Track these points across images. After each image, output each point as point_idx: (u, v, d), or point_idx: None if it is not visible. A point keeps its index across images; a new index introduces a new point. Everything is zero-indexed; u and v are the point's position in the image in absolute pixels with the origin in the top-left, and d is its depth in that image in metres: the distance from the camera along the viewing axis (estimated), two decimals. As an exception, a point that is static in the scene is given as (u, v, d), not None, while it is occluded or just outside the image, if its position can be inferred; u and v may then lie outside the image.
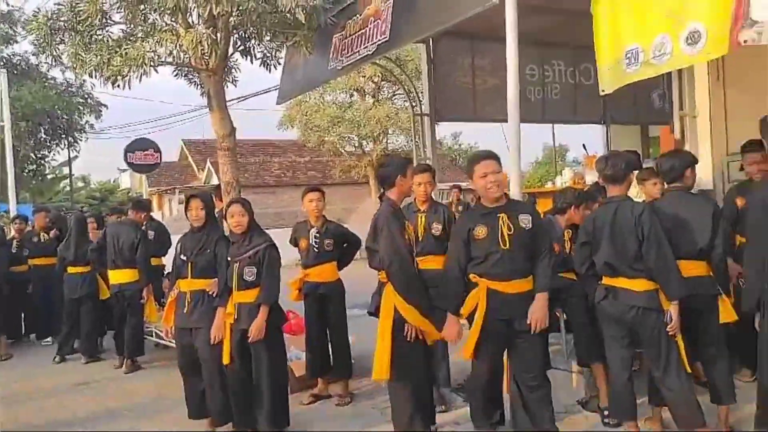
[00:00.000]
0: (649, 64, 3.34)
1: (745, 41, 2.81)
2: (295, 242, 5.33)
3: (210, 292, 4.27)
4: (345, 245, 5.29)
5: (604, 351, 3.87)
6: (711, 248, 3.73)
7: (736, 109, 4.44)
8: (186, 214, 4.43)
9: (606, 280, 3.71)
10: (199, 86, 7.02)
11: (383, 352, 3.68)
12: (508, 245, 3.52)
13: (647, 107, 8.67)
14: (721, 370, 3.77)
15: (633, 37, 3.42)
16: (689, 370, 3.60)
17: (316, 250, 5.15)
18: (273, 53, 6.66)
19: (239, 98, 18.02)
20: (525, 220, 3.59)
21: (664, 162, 3.99)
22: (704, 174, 5.19)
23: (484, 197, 3.64)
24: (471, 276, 3.60)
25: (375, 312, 3.85)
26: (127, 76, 5.72)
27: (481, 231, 3.56)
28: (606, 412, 4.08)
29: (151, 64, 5.73)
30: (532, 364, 3.67)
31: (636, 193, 4.49)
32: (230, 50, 6.25)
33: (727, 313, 3.72)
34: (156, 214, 21.15)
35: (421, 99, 8.46)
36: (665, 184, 4.06)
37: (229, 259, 4.20)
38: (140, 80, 5.77)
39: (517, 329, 3.59)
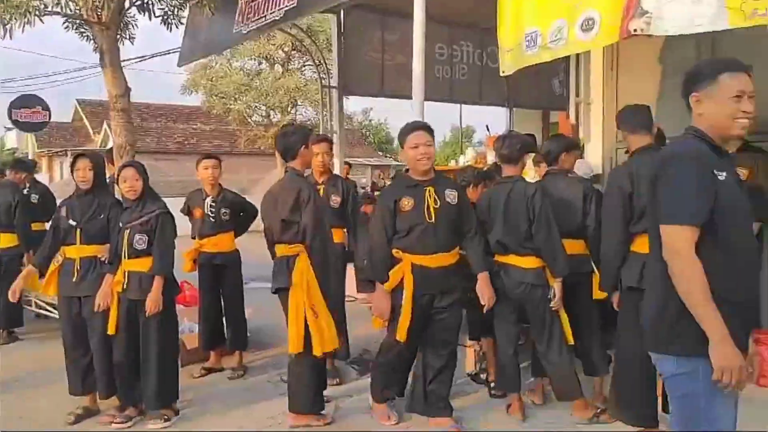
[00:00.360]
0: (546, 48, 3.42)
1: (635, 30, 2.93)
2: (187, 211, 5.14)
3: (102, 259, 4.06)
4: (241, 214, 5.17)
5: (493, 326, 4.00)
6: (584, 227, 3.90)
7: (628, 97, 4.63)
8: (72, 176, 4.16)
9: (498, 258, 3.82)
10: (92, 41, 6.55)
11: (299, 326, 3.64)
12: (433, 219, 3.53)
13: (548, 93, 8.99)
14: (595, 343, 3.98)
15: (533, 21, 3.49)
16: (570, 342, 3.79)
17: (212, 219, 5.00)
18: (174, 11, 6.32)
19: (138, 58, 17.05)
20: (451, 196, 3.61)
21: (544, 146, 4.18)
22: (594, 159, 5.44)
23: (413, 168, 3.62)
24: (394, 251, 3.58)
25: (283, 289, 3.76)
26: (8, 24, 5.25)
27: (407, 202, 3.54)
28: (493, 384, 4.24)
29: (36, 13, 5.27)
30: (448, 340, 3.73)
31: (533, 174, 4.63)
32: (126, 4, 5.86)
33: (599, 290, 3.92)
34: (44, 177, 19.87)
35: (330, 71, 8.33)
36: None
37: (120, 225, 3.99)
38: (23, 30, 5.30)
39: (437, 305, 3.62)
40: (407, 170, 3.73)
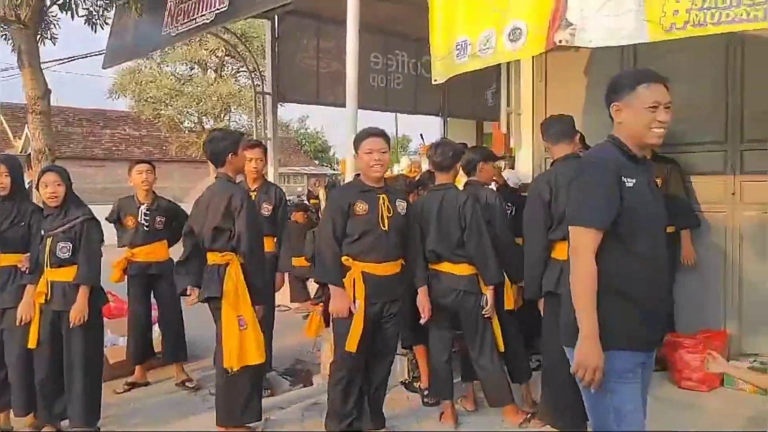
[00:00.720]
0: (475, 57, 3.47)
1: (560, 41, 3.02)
2: (117, 219, 4.93)
3: (22, 269, 3.85)
4: (174, 223, 5.02)
5: (426, 334, 4.00)
6: (496, 237, 3.90)
7: (557, 108, 4.75)
8: (-13, 182, 3.93)
9: (432, 265, 3.82)
10: (10, 40, 6.22)
11: (234, 338, 3.54)
12: (386, 227, 3.49)
13: (482, 104, 9.22)
14: (515, 352, 4.01)
15: (463, 30, 3.53)
16: (502, 348, 3.84)
17: (146, 228, 4.83)
18: (100, 11, 6.07)
19: (65, 59, 16.32)
20: (401, 206, 3.60)
21: (464, 156, 4.21)
22: (525, 168, 5.56)
23: (365, 174, 3.58)
24: (343, 258, 3.50)
25: (213, 298, 3.66)
26: None
27: (362, 207, 3.47)
28: (426, 392, 4.24)
29: (-53, 9, 4.97)
30: (393, 348, 3.71)
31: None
32: (48, 2, 5.60)
33: (508, 301, 3.96)
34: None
35: (265, 78, 8.24)
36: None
37: (42, 232, 3.80)
38: (-69, 27, 4.99)
39: (386, 313, 3.57)
40: (358, 175, 3.70)
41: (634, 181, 2.18)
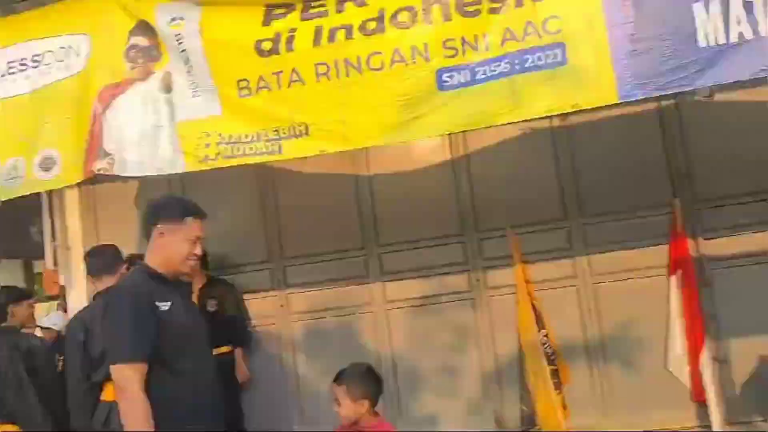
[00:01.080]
0: (2, 187, 3.19)
1: (98, 170, 3.02)
2: None
3: None
4: None
5: None
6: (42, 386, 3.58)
7: (110, 239, 4.62)
8: None
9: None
10: None
11: None
12: None
13: (28, 241, 8.35)
14: None
15: (-15, 160, 3.22)
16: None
17: None
18: None
19: None
20: None
21: None
22: (79, 305, 5.16)
23: None
24: None
25: None
26: None
27: None
28: None
29: None
30: None
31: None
32: None
33: None
34: None
35: None
36: None
37: None
38: None
39: None
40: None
41: (169, 303, 2.20)
